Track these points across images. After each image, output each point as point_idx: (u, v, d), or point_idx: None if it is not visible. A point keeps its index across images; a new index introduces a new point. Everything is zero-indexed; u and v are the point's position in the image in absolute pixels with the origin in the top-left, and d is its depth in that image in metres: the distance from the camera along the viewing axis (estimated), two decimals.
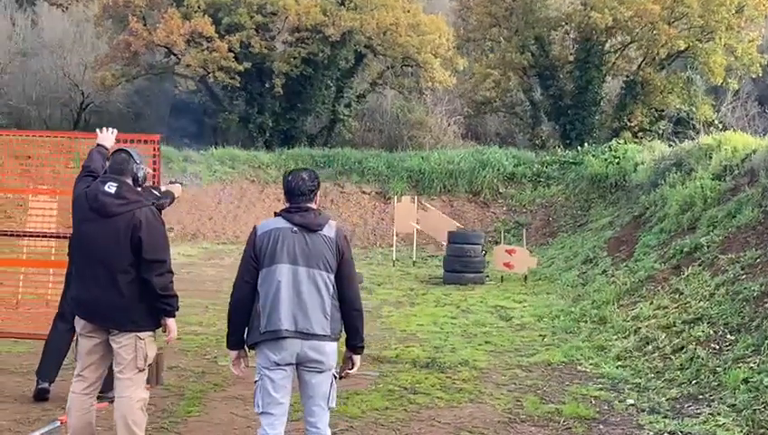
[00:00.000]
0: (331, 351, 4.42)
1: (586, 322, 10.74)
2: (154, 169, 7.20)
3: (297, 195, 4.48)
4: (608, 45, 28.93)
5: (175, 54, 30.65)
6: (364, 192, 23.71)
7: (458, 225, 18.46)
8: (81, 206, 4.97)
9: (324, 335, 4.36)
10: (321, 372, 4.42)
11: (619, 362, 8.59)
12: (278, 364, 4.34)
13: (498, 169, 23.53)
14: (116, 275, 4.82)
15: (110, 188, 4.86)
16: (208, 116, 34.49)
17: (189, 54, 29.64)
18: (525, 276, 15.36)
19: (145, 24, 30.41)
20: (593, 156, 22.24)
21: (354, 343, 4.59)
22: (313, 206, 4.51)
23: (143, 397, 4.98)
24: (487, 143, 28.27)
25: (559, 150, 24.67)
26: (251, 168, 24.53)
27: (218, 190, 23.69)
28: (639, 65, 28.44)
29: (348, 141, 31.42)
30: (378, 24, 29.51)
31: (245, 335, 4.45)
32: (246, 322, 4.41)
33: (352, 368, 4.64)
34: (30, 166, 8.78)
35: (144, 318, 4.92)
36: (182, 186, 6.86)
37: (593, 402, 7.24)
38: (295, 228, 4.39)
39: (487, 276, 15.70)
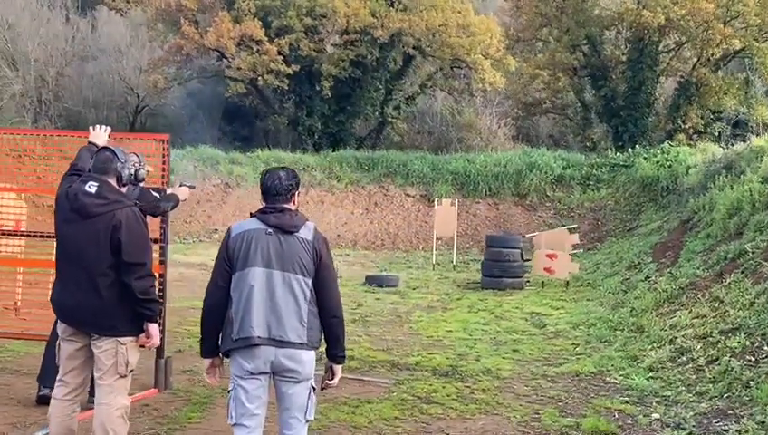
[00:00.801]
0: (308, 360, 4.17)
1: (622, 330, 10.31)
2: (163, 170, 7.08)
3: (273, 194, 4.25)
4: (661, 45, 28.17)
5: (225, 57, 30.83)
6: (408, 195, 23.47)
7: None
8: (62, 206, 4.81)
9: (300, 343, 4.12)
10: (297, 383, 4.17)
11: (651, 374, 8.16)
12: (251, 373, 4.11)
13: (546, 172, 23.07)
14: (95, 278, 4.65)
15: (91, 187, 4.70)
16: (260, 119, 34.65)
17: (239, 57, 29.79)
18: (567, 282, 14.92)
19: (197, 28, 30.65)
20: (644, 158, 21.64)
21: (334, 353, 4.34)
22: (290, 206, 4.27)
23: (124, 404, 4.80)
24: (539, 146, 27.76)
25: (609, 153, 24.05)
26: (296, 170, 24.42)
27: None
28: (694, 65, 27.61)
29: (396, 144, 31.25)
30: (427, 25, 29.25)
31: (220, 342, 4.23)
32: (220, 328, 4.19)
33: (333, 379, 4.38)
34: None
35: (125, 323, 4.74)
36: (190, 188, 6.70)
37: (616, 416, 6.85)
38: (270, 230, 4.16)
39: (528, 282, 15.30)
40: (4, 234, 8.06)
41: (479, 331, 10.77)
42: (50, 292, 4.99)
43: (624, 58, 28.59)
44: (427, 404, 7.04)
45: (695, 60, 27.74)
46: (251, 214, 4.30)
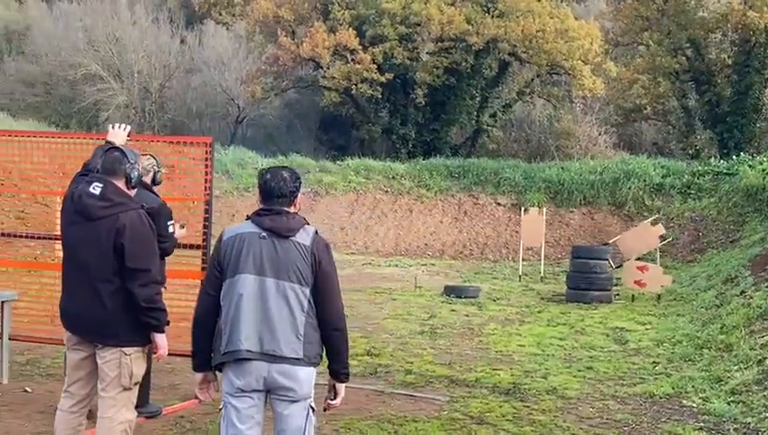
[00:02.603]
0: (305, 377, 3.80)
1: (709, 349, 9.54)
2: (206, 174, 6.89)
3: (276, 196, 3.89)
4: None
5: (321, 67, 31.01)
6: (499, 203, 22.87)
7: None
8: (67, 208, 4.60)
9: (296, 359, 3.75)
10: (293, 402, 3.80)
11: (732, 398, 7.44)
12: (243, 390, 3.77)
13: (644, 180, 22.04)
14: (99, 284, 4.42)
15: (95, 189, 4.46)
16: (355, 128, 34.72)
17: (334, 67, 29.90)
18: (659, 296, 14.09)
19: (293, 39, 30.95)
20: (750, 166, 20.35)
21: (336, 370, 3.95)
22: (290, 209, 3.92)
23: (128, 419, 4.55)
24: (641, 154, 26.62)
25: (713, 160, 22.80)
26: (385, 178, 24.26)
27: (352, 201, 23.56)
28: None
29: (492, 152, 30.69)
30: (523, 31, 28.66)
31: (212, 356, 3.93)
32: (212, 339, 3.87)
33: (336, 398, 4.00)
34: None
35: (129, 332, 4.48)
36: (181, 228, 6.46)
37: None
38: (264, 234, 3.81)
39: (617, 295, 14.53)
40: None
41: (553, 346, 10.18)
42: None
43: (730, 61, 27.16)
44: (477, 425, 6.58)
45: None
46: (247, 216, 3.97)
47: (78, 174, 4.88)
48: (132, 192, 4.63)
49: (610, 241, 16.74)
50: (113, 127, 5.29)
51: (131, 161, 4.61)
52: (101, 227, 4.42)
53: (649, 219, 15.90)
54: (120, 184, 4.56)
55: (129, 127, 5.35)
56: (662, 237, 15.65)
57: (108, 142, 5.09)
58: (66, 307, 4.60)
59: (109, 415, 4.49)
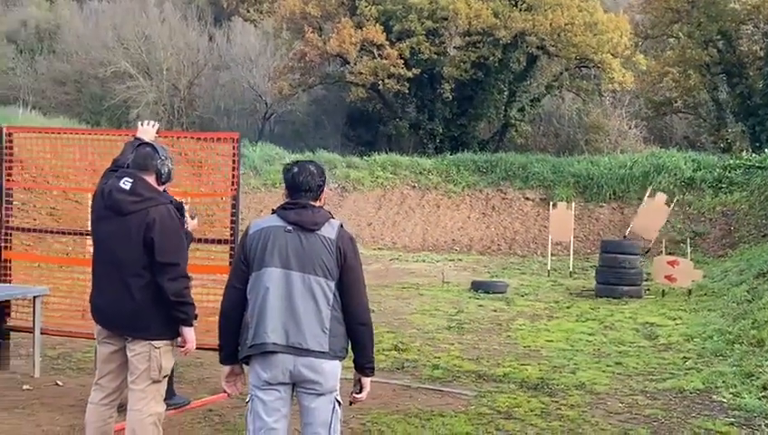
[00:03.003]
0: (330, 370, 3.81)
1: (741, 344, 9.41)
2: (233, 169, 6.92)
3: (304, 190, 3.89)
4: None
5: (348, 63, 31.03)
6: (527, 198, 22.75)
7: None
8: (97, 203, 4.66)
9: (321, 352, 3.76)
10: (319, 395, 3.82)
11: (763, 393, 7.34)
12: (269, 383, 3.79)
13: (675, 174, 21.81)
14: (128, 279, 4.47)
15: (126, 184, 4.51)
16: (383, 124, 34.72)
17: (360, 63, 29.90)
18: (690, 291, 13.94)
19: (320, 35, 30.99)
20: None
21: (361, 363, 3.95)
22: (316, 203, 3.93)
23: (157, 411, 4.60)
24: (671, 147, 26.33)
25: (744, 154, 22.50)
26: (412, 173, 24.24)
27: (379, 196, 23.56)
28: None
29: (520, 147, 30.53)
30: (551, 25, 28.46)
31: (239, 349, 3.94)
32: (238, 333, 3.89)
33: (361, 392, 4.00)
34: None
35: (159, 326, 4.53)
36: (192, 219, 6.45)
37: None
38: (289, 227, 3.82)
39: (647, 290, 14.39)
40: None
41: (582, 341, 10.11)
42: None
43: (761, 53, 26.74)
44: (505, 420, 6.55)
45: None
46: (272, 210, 3.99)
47: (108, 170, 4.95)
48: (162, 187, 4.67)
49: (627, 233, 16.66)
50: (142, 124, 5.35)
51: (162, 157, 4.65)
52: (131, 222, 4.46)
53: (646, 196, 16.00)
54: (151, 179, 4.60)
55: (157, 124, 5.41)
56: (668, 203, 16.07)
57: (137, 139, 5.14)
58: (97, 301, 4.65)
59: (138, 407, 4.53)
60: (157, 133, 5.38)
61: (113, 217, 4.53)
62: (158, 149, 4.70)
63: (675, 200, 15.96)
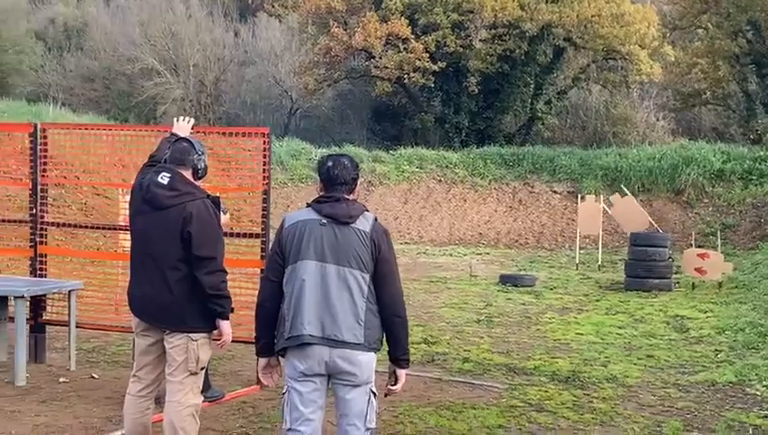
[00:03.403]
0: (366, 362, 3.84)
1: None
2: (264, 163, 6.96)
3: (339, 184, 3.93)
4: None
5: (373, 57, 31.01)
6: (555, 191, 22.65)
7: (651, 221, 16.93)
8: (135, 197, 4.73)
9: (357, 344, 3.79)
10: (355, 387, 3.85)
11: None
12: (305, 375, 3.83)
13: (704, 166, 21.62)
14: (166, 272, 4.53)
15: (164, 178, 4.57)
16: (408, 118, 34.69)
17: (386, 57, 29.87)
18: (720, 283, 13.82)
19: (345, 29, 30.99)
20: None
21: (396, 356, 3.98)
22: (350, 196, 3.96)
23: (194, 403, 4.65)
24: (700, 139, 26.04)
25: None
26: (438, 167, 24.22)
27: (405, 190, 23.56)
28: None
29: (547, 140, 30.37)
30: (578, 16, 28.26)
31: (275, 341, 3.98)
32: (273, 325, 3.94)
33: (396, 384, 4.03)
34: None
35: (196, 318, 4.58)
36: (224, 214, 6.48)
37: (750, 432, 6.12)
38: (324, 220, 3.85)
39: (677, 283, 14.29)
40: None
41: (613, 335, 10.07)
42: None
43: None
44: (537, 412, 6.55)
45: None
46: (307, 204, 4.02)
47: (145, 165, 5.02)
48: (198, 183, 4.72)
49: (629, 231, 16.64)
50: (178, 120, 5.40)
51: (198, 152, 4.71)
52: (169, 216, 4.52)
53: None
54: (187, 174, 4.66)
55: (192, 120, 5.45)
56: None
57: (173, 134, 5.19)
58: (134, 294, 4.72)
59: (176, 399, 4.59)
60: (192, 129, 5.42)
61: (151, 212, 4.59)
62: (195, 144, 4.76)
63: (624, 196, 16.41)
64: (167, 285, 4.54)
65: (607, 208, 17.04)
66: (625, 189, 18.06)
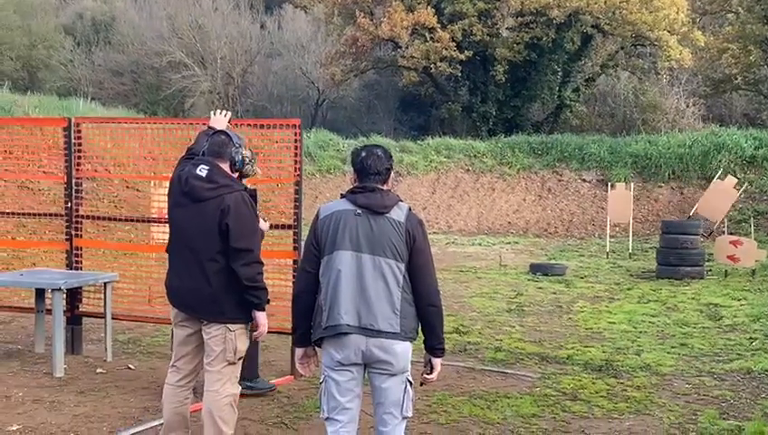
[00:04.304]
0: (402, 351, 3.86)
1: None
2: (295, 154, 6.99)
3: (372, 174, 3.94)
4: None
5: (399, 47, 30.96)
6: (584, 180, 22.50)
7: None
8: (174, 189, 4.79)
9: (393, 333, 3.81)
10: (391, 376, 3.87)
11: None
12: (342, 364, 3.86)
13: (736, 153, 21.37)
14: (204, 263, 4.59)
15: (202, 171, 4.64)
16: (435, 107, 34.61)
17: (412, 46, 29.79)
18: (753, 271, 13.68)
19: (371, 19, 30.94)
20: None
21: (432, 345, 4.00)
22: (384, 187, 3.97)
23: (232, 392, 4.71)
24: (731, 125, 25.69)
25: None
26: (466, 157, 24.15)
27: (433, 180, 23.53)
28: None
29: (575, 128, 30.14)
30: (606, 2, 27.93)
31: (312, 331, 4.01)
32: (310, 316, 3.96)
33: (432, 373, 4.04)
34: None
35: (233, 310, 4.63)
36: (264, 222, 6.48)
37: None
38: (359, 211, 3.87)
39: (709, 271, 14.15)
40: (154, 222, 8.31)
41: (645, 323, 10.01)
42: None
43: None
44: (571, 401, 6.54)
45: None
46: (341, 195, 4.04)
47: (183, 158, 5.08)
48: (235, 175, 4.78)
49: (691, 213, 16.42)
50: (215, 113, 5.47)
51: (236, 145, 4.77)
52: (207, 209, 4.58)
53: (716, 178, 15.79)
54: (225, 166, 4.72)
55: (229, 113, 5.52)
56: (737, 186, 16.11)
57: (210, 128, 5.25)
58: (173, 285, 4.78)
59: (215, 388, 4.65)
60: (229, 123, 5.47)
61: (190, 204, 4.65)
62: (233, 137, 4.83)
63: (744, 186, 15.74)
64: (205, 277, 4.59)
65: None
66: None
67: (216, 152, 4.72)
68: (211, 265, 4.59)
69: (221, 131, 4.91)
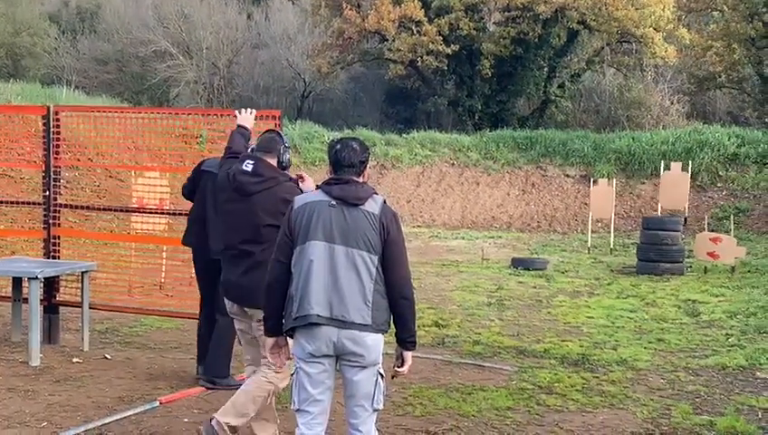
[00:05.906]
0: (373, 343, 3.86)
1: None
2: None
3: (347, 166, 3.95)
4: None
5: (386, 40, 30.92)
6: (567, 175, 22.58)
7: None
8: (224, 187, 4.97)
9: (364, 325, 3.81)
10: (363, 368, 3.87)
11: None
12: (313, 356, 3.86)
13: (718, 150, 21.49)
14: (256, 255, 4.75)
15: (248, 166, 4.84)
16: (421, 101, 34.63)
17: (399, 39, 29.77)
18: (733, 268, 13.78)
19: (358, 12, 30.89)
20: None
21: (403, 338, 4.00)
22: (359, 179, 3.98)
23: (277, 384, 4.87)
24: (715, 123, 25.83)
25: None
26: (451, 150, 24.18)
27: (418, 174, 23.56)
28: None
29: (560, 123, 30.24)
30: None
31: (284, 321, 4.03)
32: (282, 305, 3.97)
33: (403, 366, 4.05)
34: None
35: None
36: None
37: (759, 416, 6.13)
38: (333, 202, 3.88)
39: (689, 267, 14.25)
40: (149, 212, 8.30)
41: (623, 318, 10.07)
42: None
43: None
44: (546, 395, 6.58)
45: None
46: (317, 186, 4.05)
47: (225, 157, 5.29)
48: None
49: (659, 211, 16.81)
50: (240, 111, 5.64)
51: (285, 144, 4.97)
52: (256, 202, 4.74)
53: (662, 172, 17.22)
54: (273, 161, 4.90)
55: (254, 111, 5.67)
56: (684, 169, 17.40)
57: (240, 126, 5.47)
58: (227, 279, 4.94)
59: (264, 372, 4.83)
60: (255, 120, 5.65)
61: (239, 200, 4.83)
62: (282, 136, 5.05)
63: (690, 168, 16.54)
64: (259, 271, 4.69)
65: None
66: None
67: (266, 147, 4.94)
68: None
69: (271, 130, 5.17)
